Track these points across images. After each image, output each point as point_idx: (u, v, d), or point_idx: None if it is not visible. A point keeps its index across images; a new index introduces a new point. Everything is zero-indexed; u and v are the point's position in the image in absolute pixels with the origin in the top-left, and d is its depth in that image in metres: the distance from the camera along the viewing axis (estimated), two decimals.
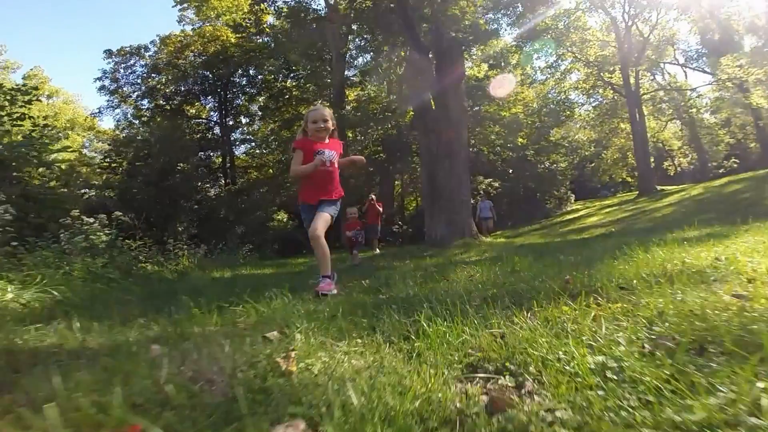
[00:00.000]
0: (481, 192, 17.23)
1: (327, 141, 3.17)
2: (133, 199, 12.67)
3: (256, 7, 15.53)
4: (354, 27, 16.54)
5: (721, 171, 37.32)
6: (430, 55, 12.07)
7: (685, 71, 37.04)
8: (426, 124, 12.38)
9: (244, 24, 18.07)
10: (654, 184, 21.03)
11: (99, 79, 21.33)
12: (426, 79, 11.82)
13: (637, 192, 22.06)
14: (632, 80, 24.16)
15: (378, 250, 12.09)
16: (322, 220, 3.05)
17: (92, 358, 1.32)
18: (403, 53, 12.71)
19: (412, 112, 18.36)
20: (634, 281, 1.75)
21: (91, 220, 5.31)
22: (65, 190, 8.09)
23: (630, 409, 0.76)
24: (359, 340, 1.35)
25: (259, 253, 14.63)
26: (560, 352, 1.03)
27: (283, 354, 1.14)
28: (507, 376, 0.97)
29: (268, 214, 22.18)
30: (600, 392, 0.83)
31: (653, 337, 1.10)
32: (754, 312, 1.14)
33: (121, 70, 20.90)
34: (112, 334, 1.71)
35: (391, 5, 10.62)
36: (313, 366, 1.06)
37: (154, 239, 7.89)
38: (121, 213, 5.55)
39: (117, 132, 23.11)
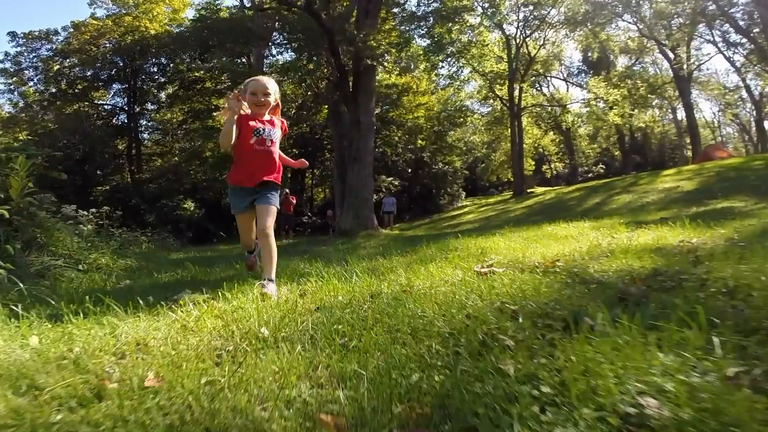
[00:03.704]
0: (384, 189, 20.48)
1: (267, 118, 2.96)
2: (51, 187, 13.48)
3: (200, 24, 16.80)
4: (277, 24, 18.27)
5: (589, 175, 45.12)
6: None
7: (567, 85, 43.70)
8: (340, 133, 15.15)
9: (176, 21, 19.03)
10: (525, 187, 25.99)
11: (0, 61, 20.84)
12: (343, 94, 14.51)
13: (512, 193, 26.97)
14: (516, 93, 28.86)
15: (289, 239, 14.58)
16: (270, 215, 2.92)
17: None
18: (326, 70, 15.12)
19: (326, 112, 20.91)
20: (424, 251, 4.71)
21: (84, 212, 7.29)
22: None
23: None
24: (325, 270, 4.09)
25: (180, 241, 16.25)
26: (388, 266, 3.89)
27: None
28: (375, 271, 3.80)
29: (175, 203, 23.20)
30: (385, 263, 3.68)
31: (406, 260, 4.00)
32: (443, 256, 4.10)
33: (26, 54, 20.59)
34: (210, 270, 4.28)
35: (320, 26, 12.82)
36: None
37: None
38: (110, 208, 7.52)
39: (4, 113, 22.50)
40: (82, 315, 2.18)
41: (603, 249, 3.46)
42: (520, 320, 1.48)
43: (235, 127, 2.81)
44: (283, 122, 3.12)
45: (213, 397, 1.08)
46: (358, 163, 14.18)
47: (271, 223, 2.93)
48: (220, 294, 2.61)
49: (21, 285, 2.60)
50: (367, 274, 2.97)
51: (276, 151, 3.01)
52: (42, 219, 4.95)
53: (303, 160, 3.55)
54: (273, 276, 2.81)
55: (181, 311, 2.17)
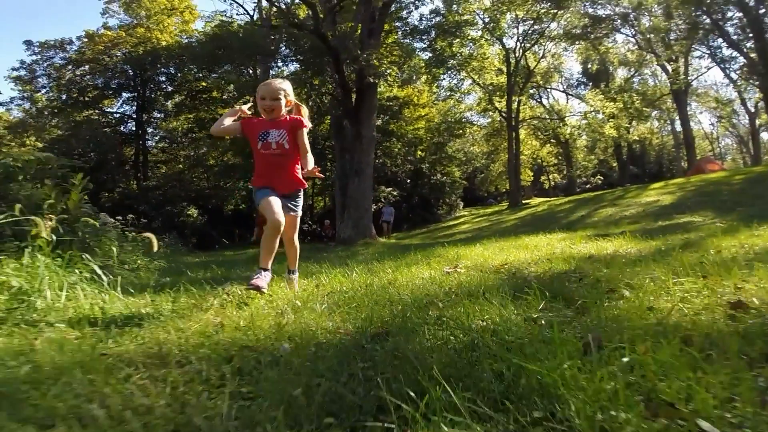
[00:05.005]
0: (383, 199, 21.63)
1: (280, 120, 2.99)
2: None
3: (213, 39, 17.92)
4: (284, 37, 19.40)
5: (587, 186, 46.22)
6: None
7: (567, 96, 44.78)
8: (342, 146, 16.30)
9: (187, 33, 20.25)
10: (520, 198, 27.11)
11: (15, 69, 22.20)
12: (345, 110, 15.67)
13: (507, 204, 28.09)
14: (515, 106, 29.91)
15: None
16: (294, 227, 3.26)
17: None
18: (330, 86, 16.29)
19: (328, 124, 22.08)
20: (412, 257, 5.78)
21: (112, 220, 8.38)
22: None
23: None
24: (331, 270, 5.15)
25: (186, 247, 17.37)
26: (380, 268, 4.95)
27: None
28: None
29: (178, 209, 24.30)
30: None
31: (396, 264, 5.07)
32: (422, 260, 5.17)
33: (40, 63, 21.85)
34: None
35: (327, 47, 13.94)
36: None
37: None
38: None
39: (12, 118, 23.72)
40: (168, 295, 3.26)
41: (551, 256, 4.52)
42: (453, 296, 2.55)
43: (232, 121, 3.09)
44: (298, 119, 3.04)
45: (282, 328, 2.16)
46: (358, 176, 15.30)
47: (296, 234, 3.35)
48: None
49: (112, 276, 3.66)
50: (363, 273, 4.04)
51: (289, 154, 3.01)
52: (93, 227, 6.04)
53: (317, 169, 2.94)
54: (295, 268, 3.55)
55: (236, 294, 3.25)
